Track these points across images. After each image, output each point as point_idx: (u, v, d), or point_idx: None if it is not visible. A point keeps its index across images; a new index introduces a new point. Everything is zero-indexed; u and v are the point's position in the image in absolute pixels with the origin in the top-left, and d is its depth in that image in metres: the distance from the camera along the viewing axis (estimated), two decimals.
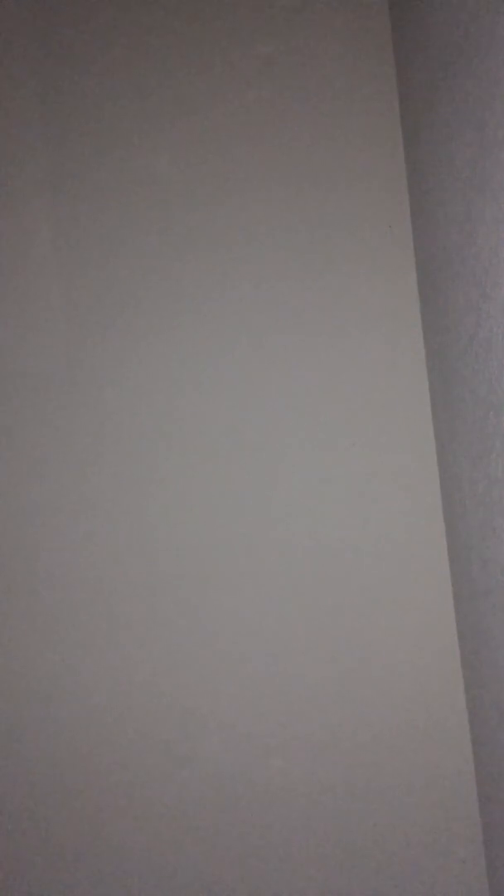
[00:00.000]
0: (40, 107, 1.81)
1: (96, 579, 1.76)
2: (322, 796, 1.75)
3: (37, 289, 1.79)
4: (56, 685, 1.74)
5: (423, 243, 1.76)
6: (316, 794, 1.75)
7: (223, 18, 1.83)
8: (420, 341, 1.81)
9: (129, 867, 1.73)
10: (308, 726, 1.76)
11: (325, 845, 1.75)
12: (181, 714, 1.75)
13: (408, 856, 1.75)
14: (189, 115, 1.82)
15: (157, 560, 1.77)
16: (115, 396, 1.78)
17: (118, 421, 1.78)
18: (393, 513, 1.79)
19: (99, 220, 1.80)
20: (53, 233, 1.80)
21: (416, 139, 1.75)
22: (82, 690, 1.74)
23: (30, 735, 1.73)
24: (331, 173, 1.82)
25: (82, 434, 1.78)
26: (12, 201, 1.80)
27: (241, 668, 1.76)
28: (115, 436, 1.78)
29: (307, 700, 1.76)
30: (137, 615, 1.76)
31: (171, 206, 1.81)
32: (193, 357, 1.80)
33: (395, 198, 1.83)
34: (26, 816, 1.72)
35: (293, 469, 1.79)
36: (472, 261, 1.52)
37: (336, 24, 1.84)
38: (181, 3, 1.83)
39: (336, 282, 1.81)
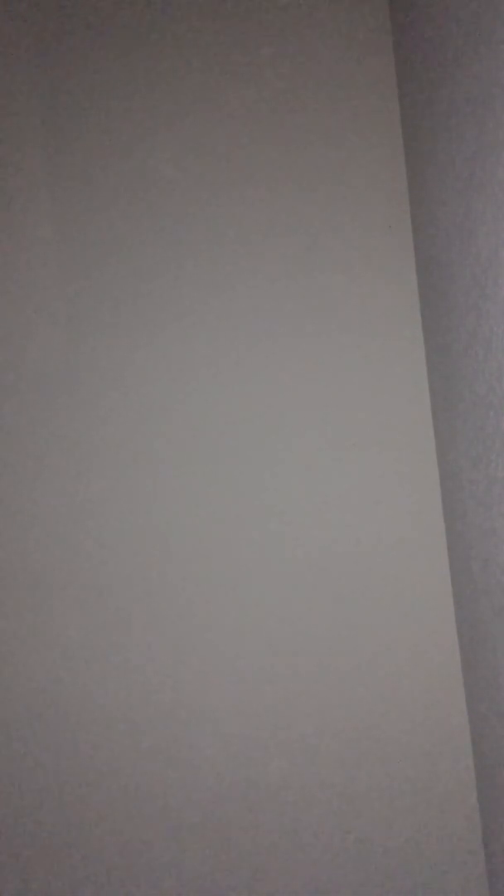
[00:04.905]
0: (40, 107, 1.81)
1: (96, 579, 1.76)
2: (322, 797, 1.75)
3: (37, 289, 1.79)
4: (55, 685, 1.74)
5: (423, 243, 1.76)
6: (316, 794, 1.75)
7: (223, 18, 1.83)
8: (420, 341, 1.81)
9: (129, 867, 1.73)
10: (308, 727, 1.76)
11: (325, 845, 1.75)
12: (181, 715, 1.75)
13: (408, 856, 1.75)
14: (189, 115, 1.82)
15: (156, 559, 1.77)
16: (115, 396, 1.78)
17: (118, 421, 1.78)
18: (393, 513, 1.79)
19: (99, 220, 1.80)
20: (53, 233, 1.80)
21: (416, 139, 1.75)
22: (81, 691, 1.74)
23: (28, 735, 1.73)
24: (331, 173, 1.82)
25: (82, 434, 1.78)
26: (12, 201, 1.80)
27: (241, 668, 1.76)
28: (115, 436, 1.78)
29: (307, 700, 1.76)
30: (137, 615, 1.76)
31: (170, 206, 1.81)
32: (193, 357, 1.80)
33: (395, 198, 1.83)
34: (25, 816, 1.72)
35: (293, 469, 1.79)
36: (472, 261, 1.52)
37: (336, 24, 1.84)
38: (181, 3, 1.83)
39: (336, 282, 1.81)
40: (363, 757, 1.76)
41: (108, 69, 1.82)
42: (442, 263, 1.66)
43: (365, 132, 1.83)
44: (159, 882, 1.73)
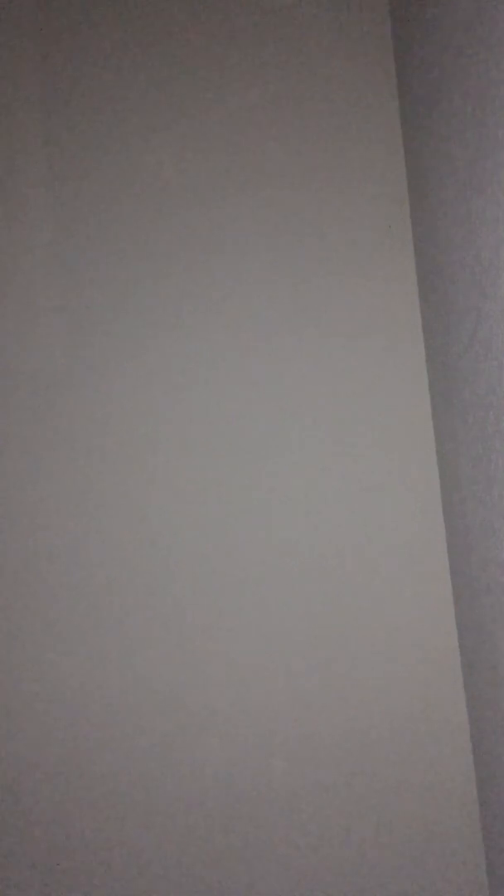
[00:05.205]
0: (40, 106, 1.81)
1: (95, 579, 1.76)
2: (322, 796, 1.75)
3: (37, 289, 1.79)
4: (55, 685, 1.74)
5: (423, 243, 1.76)
6: (316, 794, 1.75)
7: (223, 18, 1.83)
8: (420, 341, 1.81)
9: (129, 867, 1.73)
10: (308, 726, 1.76)
11: (325, 845, 1.75)
12: (181, 714, 1.75)
13: (408, 856, 1.75)
14: (189, 115, 1.82)
15: (156, 560, 1.77)
16: (115, 396, 1.78)
17: (118, 421, 1.78)
18: (393, 513, 1.79)
19: (99, 221, 1.80)
20: (53, 233, 1.80)
21: (416, 139, 1.75)
22: (82, 690, 1.74)
23: (29, 735, 1.73)
24: (331, 173, 1.82)
25: (82, 434, 1.78)
26: (12, 201, 1.80)
27: (241, 667, 1.76)
28: (115, 436, 1.78)
29: (308, 700, 1.76)
30: (136, 615, 1.76)
31: (170, 206, 1.81)
32: (193, 358, 1.80)
33: (395, 198, 1.83)
34: (25, 816, 1.72)
35: (293, 469, 1.79)
36: (472, 261, 1.52)
37: (336, 24, 1.84)
38: (181, 3, 1.83)
39: (336, 282, 1.81)
40: (363, 757, 1.76)
41: (108, 69, 1.82)
42: (442, 264, 1.66)
43: (365, 132, 1.83)
44: (158, 882, 1.73)
